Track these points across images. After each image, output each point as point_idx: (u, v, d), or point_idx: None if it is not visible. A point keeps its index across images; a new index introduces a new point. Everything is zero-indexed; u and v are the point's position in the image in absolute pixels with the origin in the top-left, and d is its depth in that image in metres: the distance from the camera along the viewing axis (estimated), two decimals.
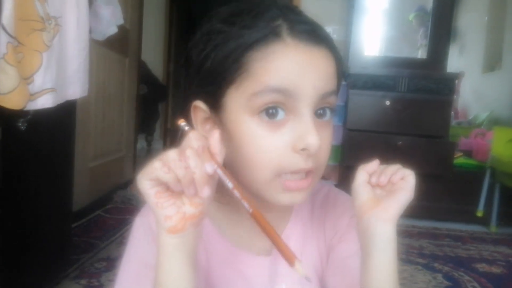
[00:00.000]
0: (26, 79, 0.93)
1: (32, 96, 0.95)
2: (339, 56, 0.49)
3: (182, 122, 0.45)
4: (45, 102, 0.99)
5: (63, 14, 1.05)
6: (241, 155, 0.46)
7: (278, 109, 0.44)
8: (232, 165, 0.47)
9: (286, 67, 0.43)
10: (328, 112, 0.47)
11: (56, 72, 1.02)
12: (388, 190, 0.47)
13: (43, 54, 0.96)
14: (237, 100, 0.45)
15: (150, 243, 0.50)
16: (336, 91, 0.48)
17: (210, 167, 0.41)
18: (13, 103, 0.90)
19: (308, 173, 0.46)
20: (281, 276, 0.55)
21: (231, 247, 0.55)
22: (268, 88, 0.43)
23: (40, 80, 0.96)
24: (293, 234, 0.57)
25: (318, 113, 0.46)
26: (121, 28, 1.75)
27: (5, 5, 0.86)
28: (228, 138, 0.46)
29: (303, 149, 0.44)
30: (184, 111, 0.50)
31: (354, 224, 0.57)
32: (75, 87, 1.13)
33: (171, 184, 0.41)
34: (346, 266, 0.55)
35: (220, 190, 0.47)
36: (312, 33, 0.45)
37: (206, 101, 0.48)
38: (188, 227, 0.42)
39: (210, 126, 0.49)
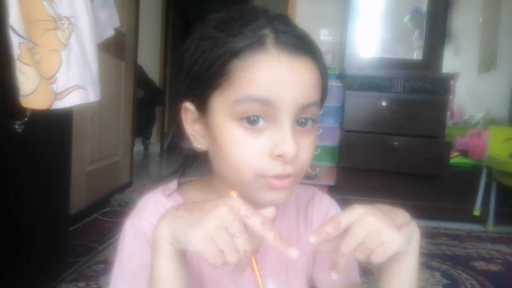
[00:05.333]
0: (48, 79, 0.93)
1: (59, 95, 0.96)
2: (325, 68, 0.50)
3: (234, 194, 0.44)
4: (72, 99, 0.98)
5: (75, 14, 1.04)
6: (224, 157, 0.47)
7: (259, 117, 0.45)
8: (217, 164, 0.50)
9: (268, 78, 0.44)
10: (309, 122, 0.48)
11: (79, 70, 1.01)
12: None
13: (62, 53, 0.96)
14: (221, 105, 0.46)
15: (143, 245, 0.50)
16: (319, 103, 0.49)
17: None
18: (37, 103, 0.90)
19: (288, 175, 0.47)
20: (268, 271, 0.55)
21: None
22: (249, 97, 0.44)
23: (64, 78, 0.96)
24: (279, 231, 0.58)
25: (300, 122, 0.47)
26: (117, 32, 1.76)
27: (11, 8, 0.87)
28: (213, 139, 0.48)
29: (279, 156, 0.45)
30: (175, 112, 0.52)
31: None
32: (96, 89, 1.11)
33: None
34: (326, 265, 0.56)
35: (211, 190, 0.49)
36: (297, 44, 0.46)
37: (194, 103, 0.50)
38: None
39: (198, 126, 0.51)
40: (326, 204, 0.62)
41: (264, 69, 0.44)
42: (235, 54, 0.45)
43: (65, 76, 0.96)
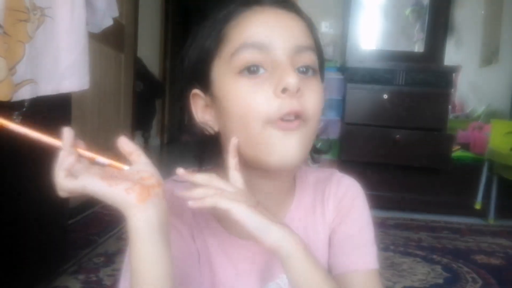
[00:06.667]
0: (10, 69, 0.92)
1: (15, 87, 0.94)
2: (310, 22, 0.53)
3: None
4: (24, 93, 0.97)
5: (52, 5, 1.03)
6: (232, 117, 0.48)
7: (258, 66, 0.47)
8: (226, 131, 0.50)
9: (258, 27, 0.48)
10: (310, 71, 0.49)
11: (37, 63, 1.00)
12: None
13: (26, 45, 0.95)
14: (221, 67, 0.49)
15: None
16: (314, 49, 0.50)
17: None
18: (1, 95, 0.89)
19: (296, 116, 0.46)
20: (280, 268, 0.54)
21: (230, 236, 0.54)
22: (243, 45, 0.47)
23: (22, 71, 0.95)
24: (295, 220, 0.57)
25: (301, 70, 0.48)
26: (116, 23, 1.74)
27: None
28: (220, 110, 0.49)
29: (283, 90, 0.45)
30: (181, 103, 0.54)
31: (356, 206, 0.57)
32: (73, 80, 1.11)
33: (70, 157, 0.42)
34: (341, 248, 0.55)
35: (219, 174, 0.48)
36: (278, 1, 0.50)
37: (200, 85, 0.51)
38: (153, 196, 0.41)
39: (208, 110, 0.52)
40: (344, 185, 0.59)
41: (251, 21, 0.48)
42: (225, 20, 0.49)
43: (24, 69, 0.95)
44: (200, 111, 0.52)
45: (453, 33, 3.48)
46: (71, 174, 0.42)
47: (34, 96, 1.00)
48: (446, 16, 2.80)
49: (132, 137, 2.81)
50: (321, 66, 0.53)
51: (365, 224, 0.57)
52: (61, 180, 0.41)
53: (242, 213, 0.43)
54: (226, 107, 0.48)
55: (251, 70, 0.47)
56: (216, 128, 0.52)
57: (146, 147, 4.59)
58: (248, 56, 0.47)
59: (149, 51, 4.38)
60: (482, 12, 3.40)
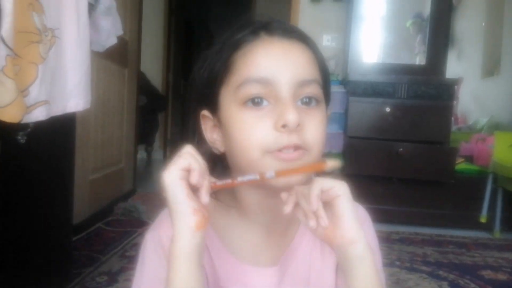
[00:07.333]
0: (22, 91, 0.92)
1: (28, 109, 0.95)
2: (317, 51, 0.54)
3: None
4: (39, 114, 0.98)
5: (61, 26, 1.04)
6: (233, 143, 0.50)
7: (262, 98, 0.49)
8: (231, 156, 0.53)
9: (263, 60, 0.49)
10: (313, 101, 0.51)
11: (51, 84, 1.01)
12: (329, 207, 0.48)
13: (39, 67, 0.96)
14: (227, 96, 0.51)
15: (161, 257, 0.51)
16: (319, 82, 0.52)
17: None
18: (10, 116, 0.89)
19: (296, 148, 0.48)
20: (292, 285, 0.55)
21: (237, 262, 0.55)
22: (249, 79, 0.49)
23: (36, 92, 0.96)
24: (302, 244, 0.57)
25: (304, 101, 0.50)
26: (120, 39, 1.76)
27: (4, 18, 0.86)
28: (224, 133, 0.52)
29: (283, 126, 0.47)
30: (192, 123, 0.58)
31: (363, 230, 0.57)
32: (78, 99, 1.12)
33: (197, 172, 0.45)
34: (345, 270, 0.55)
35: (229, 193, 0.52)
36: (286, 29, 0.52)
37: (208, 108, 0.54)
38: (206, 227, 0.46)
39: (216, 131, 0.55)
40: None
41: (258, 53, 0.50)
42: (234, 47, 0.51)
43: (37, 90, 0.95)
44: (209, 130, 0.55)
45: (454, 45, 3.49)
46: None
47: (48, 117, 1.00)
48: (447, 28, 2.82)
49: (135, 151, 2.82)
50: (326, 93, 0.54)
51: (373, 250, 0.57)
52: (172, 172, 0.45)
53: (348, 202, 0.48)
54: (230, 133, 0.51)
55: (255, 101, 0.49)
56: (222, 149, 0.54)
57: (148, 160, 4.59)
58: (253, 90, 0.49)
59: (152, 65, 4.42)
60: (483, 23, 3.42)
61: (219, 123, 0.53)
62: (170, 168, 0.45)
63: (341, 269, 0.49)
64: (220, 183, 0.48)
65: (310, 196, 0.46)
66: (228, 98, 0.51)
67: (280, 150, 0.47)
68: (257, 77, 0.49)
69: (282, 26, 0.52)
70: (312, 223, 0.46)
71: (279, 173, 0.46)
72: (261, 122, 0.48)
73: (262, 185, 0.50)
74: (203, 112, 0.55)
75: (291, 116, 0.46)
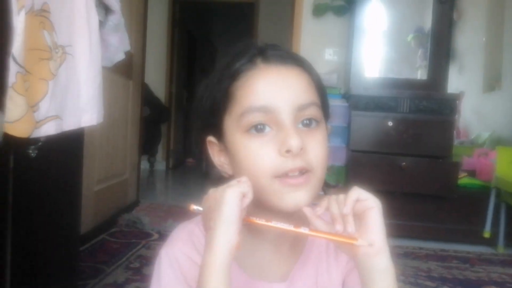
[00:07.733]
0: (32, 107, 0.94)
1: (37, 124, 0.96)
2: (314, 73, 0.56)
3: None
4: (48, 129, 0.99)
5: (72, 43, 1.06)
6: (241, 169, 0.52)
7: (264, 125, 0.51)
8: None
9: (262, 88, 0.52)
10: (313, 122, 0.53)
11: (62, 99, 1.03)
12: (358, 217, 0.49)
13: (49, 83, 0.97)
14: (231, 124, 0.53)
15: (177, 273, 0.53)
16: (318, 104, 0.54)
17: None
18: (20, 131, 0.91)
19: (302, 172, 0.51)
20: None
21: (248, 278, 0.56)
22: (250, 108, 0.51)
23: (45, 108, 0.97)
24: (308, 263, 0.58)
25: (305, 123, 0.52)
26: (126, 52, 1.78)
27: (16, 37, 0.88)
28: (231, 159, 0.54)
29: (287, 151, 0.49)
30: (199, 147, 0.60)
31: None
32: (91, 114, 1.14)
33: (249, 200, 0.48)
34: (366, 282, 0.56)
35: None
36: (281, 56, 0.54)
37: (214, 134, 0.56)
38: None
39: (223, 156, 0.57)
40: None
41: (256, 82, 0.52)
42: (233, 78, 0.53)
43: (47, 106, 0.97)
44: (216, 154, 0.57)
45: (456, 59, 3.52)
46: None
47: (59, 131, 1.02)
48: (448, 43, 2.85)
49: (139, 162, 2.83)
50: (325, 112, 0.57)
51: None
52: (236, 191, 0.47)
53: (380, 215, 0.49)
54: (237, 160, 0.53)
55: (258, 128, 0.51)
56: (230, 172, 0.56)
57: (151, 171, 4.60)
58: (255, 118, 0.51)
59: (155, 76, 4.46)
60: (484, 38, 3.46)
61: (225, 148, 0.55)
62: (234, 187, 0.47)
63: (362, 282, 0.49)
64: (254, 218, 0.50)
65: (347, 200, 0.48)
66: (232, 125, 0.53)
67: (286, 174, 0.50)
68: (258, 106, 0.51)
69: (278, 53, 0.54)
70: (339, 227, 0.47)
71: (312, 231, 0.49)
72: (266, 148, 0.50)
73: (271, 207, 0.51)
74: (209, 138, 0.57)
75: (294, 142, 0.49)
